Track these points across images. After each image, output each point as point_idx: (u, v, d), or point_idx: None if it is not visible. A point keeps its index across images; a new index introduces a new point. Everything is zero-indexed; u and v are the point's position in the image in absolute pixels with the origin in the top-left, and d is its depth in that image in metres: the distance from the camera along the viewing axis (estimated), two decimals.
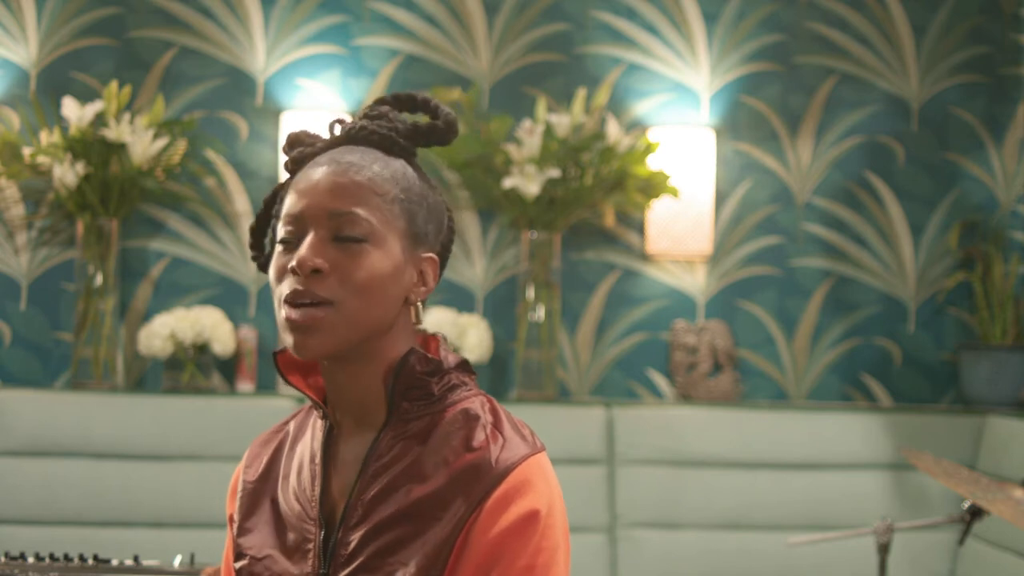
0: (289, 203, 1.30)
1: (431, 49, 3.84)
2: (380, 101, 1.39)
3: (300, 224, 1.28)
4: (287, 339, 1.28)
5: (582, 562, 3.43)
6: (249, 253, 3.72)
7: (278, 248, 1.30)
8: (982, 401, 3.73)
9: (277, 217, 1.34)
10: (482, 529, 1.24)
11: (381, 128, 1.34)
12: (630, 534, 3.49)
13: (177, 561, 2.15)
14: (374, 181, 1.29)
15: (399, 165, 1.33)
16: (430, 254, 1.34)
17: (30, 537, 3.24)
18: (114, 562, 2.11)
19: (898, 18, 3.95)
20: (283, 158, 1.39)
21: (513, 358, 3.79)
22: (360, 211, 1.27)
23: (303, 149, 1.36)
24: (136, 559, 2.12)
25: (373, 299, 1.27)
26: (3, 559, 2.07)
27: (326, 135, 1.39)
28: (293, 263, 1.26)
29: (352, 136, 1.35)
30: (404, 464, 1.29)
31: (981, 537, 3.32)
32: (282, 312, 1.27)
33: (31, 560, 2.07)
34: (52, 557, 2.09)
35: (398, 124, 1.35)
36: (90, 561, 2.09)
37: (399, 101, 1.39)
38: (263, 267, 1.37)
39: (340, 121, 1.39)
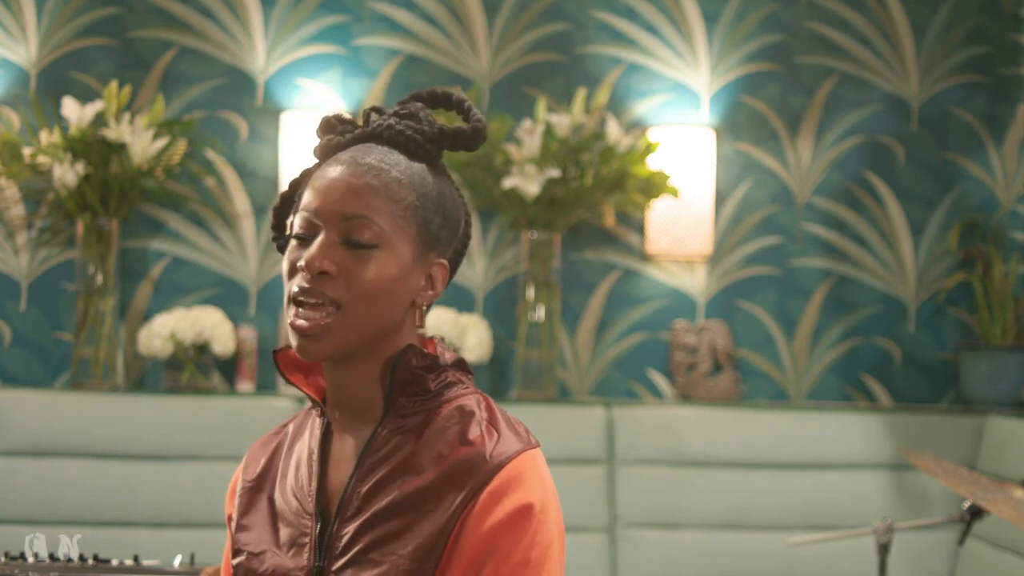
0: (306, 199, 1.31)
1: (431, 49, 3.84)
2: (415, 97, 1.38)
3: (314, 222, 1.29)
4: (292, 341, 1.29)
5: (582, 562, 3.43)
6: (249, 252, 3.76)
7: (292, 242, 1.31)
8: (982, 401, 3.73)
9: (300, 200, 1.34)
10: (476, 522, 1.25)
11: (408, 129, 1.34)
12: (630, 534, 3.49)
13: (177, 561, 2.15)
14: (389, 186, 1.29)
15: (419, 169, 1.33)
16: (441, 259, 1.35)
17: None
18: (114, 562, 2.10)
19: (898, 18, 3.95)
20: (315, 140, 1.39)
21: (513, 358, 3.79)
22: (372, 216, 1.28)
23: (332, 138, 1.37)
24: (136, 559, 2.12)
25: (379, 303, 1.29)
26: (3, 559, 2.07)
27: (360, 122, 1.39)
28: (302, 262, 1.28)
29: (377, 134, 1.35)
30: (400, 457, 1.30)
31: (981, 537, 3.32)
32: (289, 312, 1.29)
33: (31, 560, 2.07)
34: (52, 557, 2.09)
35: (425, 126, 1.35)
36: (90, 561, 2.09)
37: (434, 98, 1.39)
38: (282, 249, 1.38)
39: (377, 110, 1.39)
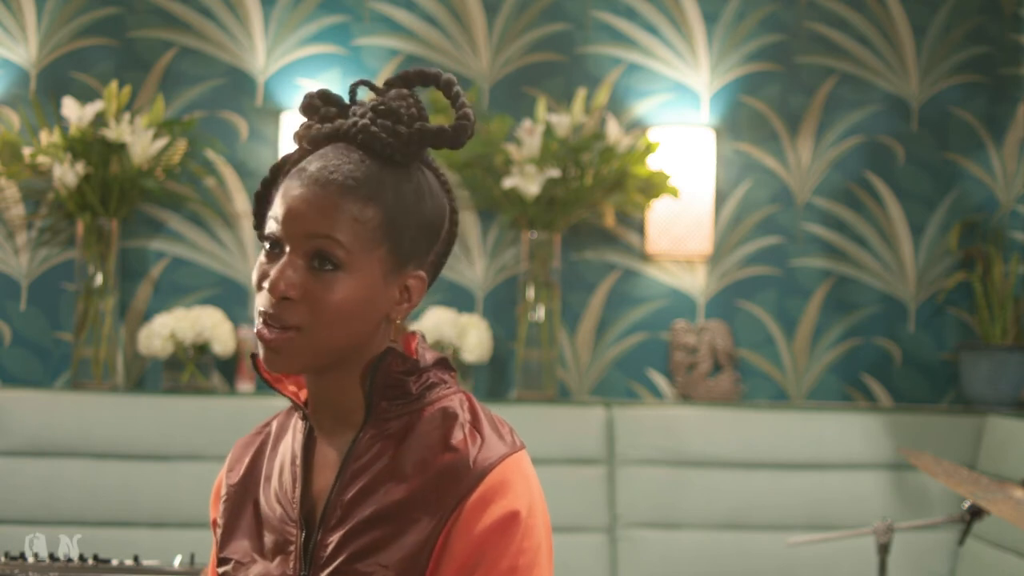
0: (275, 207, 1.25)
1: (431, 49, 3.84)
2: (403, 77, 1.29)
3: (280, 236, 1.25)
4: (260, 352, 1.26)
5: (582, 562, 3.43)
6: (249, 252, 3.75)
7: (264, 248, 1.27)
8: (982, 401, 3.73)
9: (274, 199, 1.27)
10: (462, 531, 1.22)
11: (382, 131, 1.26)
12: (630, 534, 3.49)
13: (177, 561, 2.15)
14: (356, 206, 1.23)
15: (391, 178, 1.26)
16: (418, 271, 1.29)
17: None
18: (114, 562, 2.10)
19: (898, 18, 3.95)
20: (298, 120, 1.32)
21: (513, 358, 3.79)
22: (338, 236, 1.22)
23: (311, 125, 1.30)
24: (136, 559, 2.12)
25: (344, 326, 1.24)
26: (3, 559, 2.07)
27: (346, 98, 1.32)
28: (267, 283, 1.23)
29: (352, 135, 1.27)
30: (382, 464, 1.27)
31: (981, 537, 3.32)
32: (257, 323, 1.26)
33: (31, 560, 2.07)
34: (52, 557, 2.09)
35: (402, 126, 1.26)
36: (90, 561, 2.09)
37: (423, 78, 1.29)
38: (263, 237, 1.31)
39: (365, 83, 1.31)
